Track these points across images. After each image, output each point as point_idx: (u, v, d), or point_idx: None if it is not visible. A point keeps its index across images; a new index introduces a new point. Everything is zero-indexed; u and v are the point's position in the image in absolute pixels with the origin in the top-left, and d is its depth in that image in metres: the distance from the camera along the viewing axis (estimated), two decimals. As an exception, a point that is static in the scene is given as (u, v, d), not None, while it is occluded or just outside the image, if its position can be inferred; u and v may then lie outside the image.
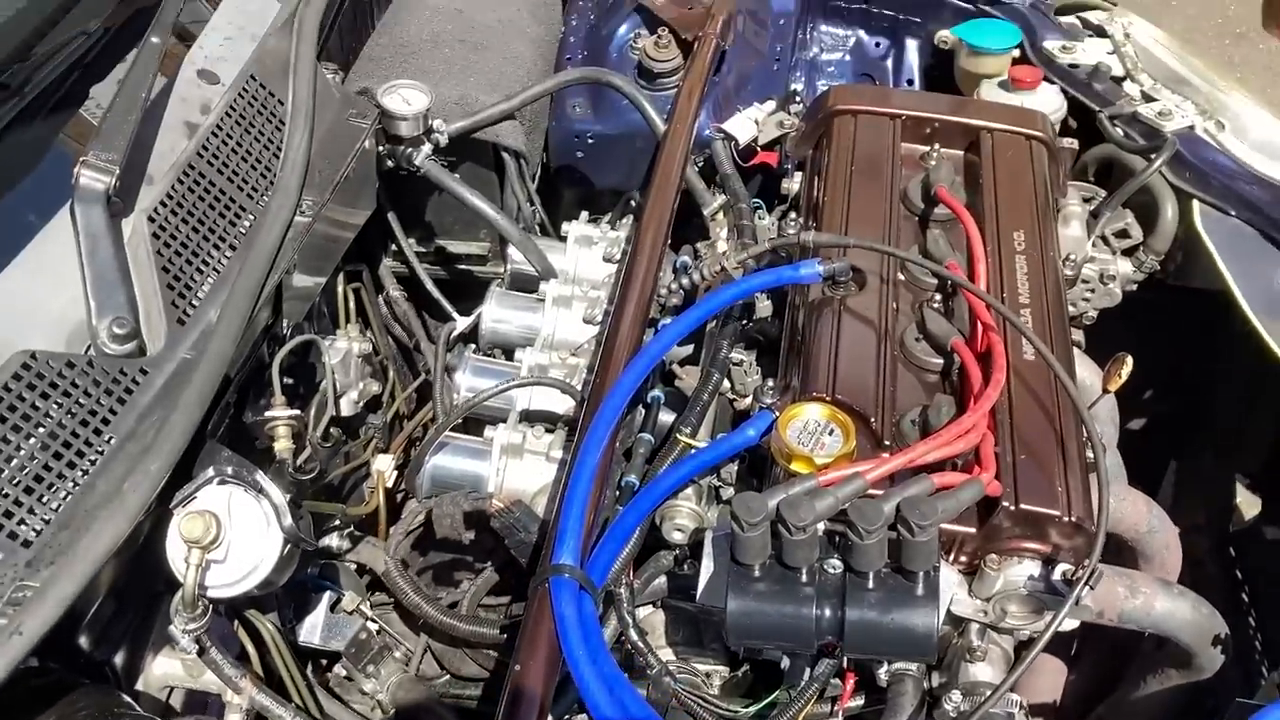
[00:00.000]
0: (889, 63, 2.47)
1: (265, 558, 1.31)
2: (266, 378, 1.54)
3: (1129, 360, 1.69)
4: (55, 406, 1.24)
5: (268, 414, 1.51)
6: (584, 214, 2.05)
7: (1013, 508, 1.34)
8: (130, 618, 1.39)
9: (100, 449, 1.25)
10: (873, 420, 1.43)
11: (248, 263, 1.44)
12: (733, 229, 1.84)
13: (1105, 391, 1.72)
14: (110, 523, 1.15)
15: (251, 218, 1.54)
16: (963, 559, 1.40)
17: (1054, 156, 1.92)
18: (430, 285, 2.12)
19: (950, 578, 1.37)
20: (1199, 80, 2.16)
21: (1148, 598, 1.51)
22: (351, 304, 1.87)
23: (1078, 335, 2.14)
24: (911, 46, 2.46)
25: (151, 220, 1.42)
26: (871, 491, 1.30)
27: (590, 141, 2.23)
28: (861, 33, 2.47)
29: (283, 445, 1.51)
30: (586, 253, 1.96)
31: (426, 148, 1.87)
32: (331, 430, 1.71)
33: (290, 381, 1.67)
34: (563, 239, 1.98)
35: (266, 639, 1.47)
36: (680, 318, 1.53)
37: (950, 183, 1.76)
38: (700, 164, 2.02)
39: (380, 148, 1.88)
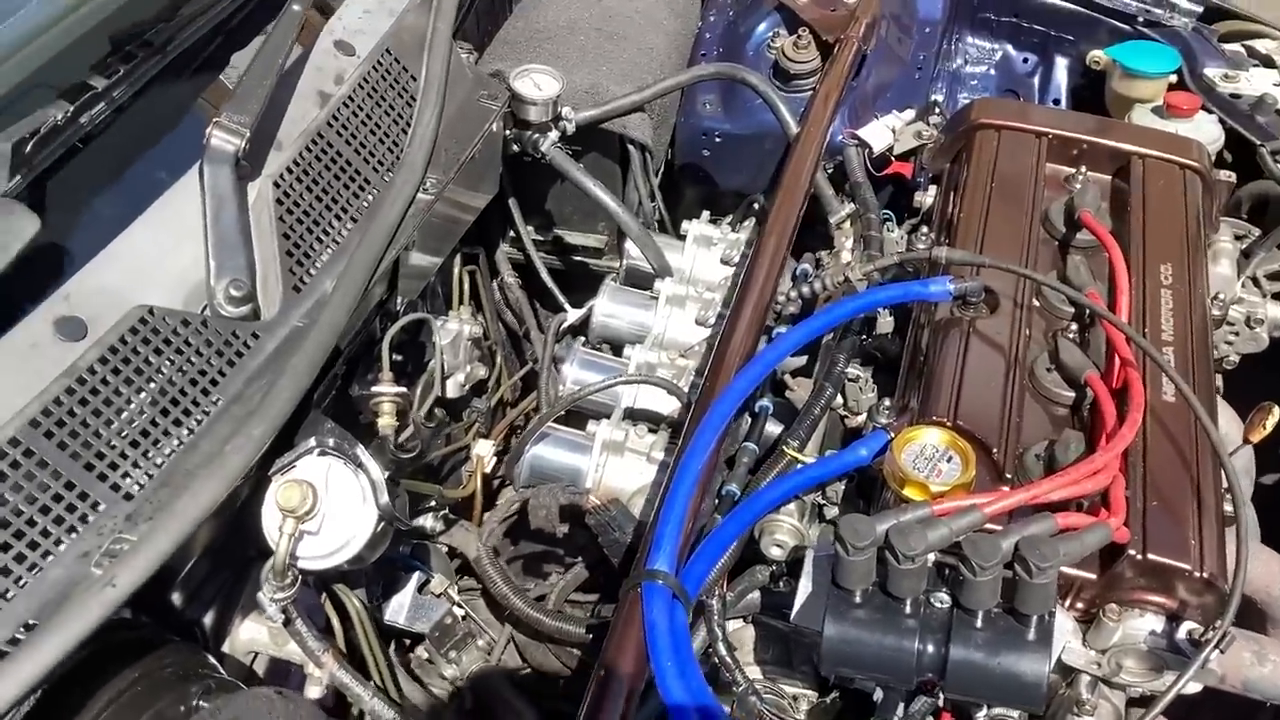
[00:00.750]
0: (1035, 80, 2.37)
1: (358, 533, 1.30)
2: (376, 353, 1.54)
3: (1277, 411, 1.59)
4: (168, 363, 1.24)
5: (374, 389, 1.50)
6: (705, 214, 2.01)
7: (1139, 557, 1.25)
8: (222, 581, 1.39)
9: (207, 409, 1.25)
10: (995, 450, 1.36)
11: (367, 236, 1.43)
12: (859, 239, 1.77)
13: (1246, 442, 1.62)
14: (209, 483, 1.15)
15: (375, 191, 1.53)
16: (1080, 605, 1.31)
17: (1208, 189, 1.81)
18: (545, 274, 2.10)
19: (1065, 624, 1.28)
20: (1374, 123, 2.02)
21: (1276, 666, 1.40)
22: (466, 287, 1.85)
23: (1217, 380, 2.03)
24: (1061, 65, 2.36)
25: (276, 186, 1.42)
26: (989, 526, 1.22)
27: (718, 140, 2.18)
28: (1009, 47, 2.38)
29: (386, 422, 1.50)
30: (705, 253, 1.92)
31: (553, 134, 1.85)
32: (435, 411, 1.70)
33: (399, 359, 1.67)
34: (681, 237, 1.95)
35: (353, 615, 1.47)
36: (798, 326, 1.48)
37: (1096, 207, 1.67)
38: (830, 170, 1.96)
39: (508, 131, 1.87)
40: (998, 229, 1.66)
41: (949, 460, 1.32)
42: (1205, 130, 2.04)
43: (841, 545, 1.20)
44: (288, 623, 1.28)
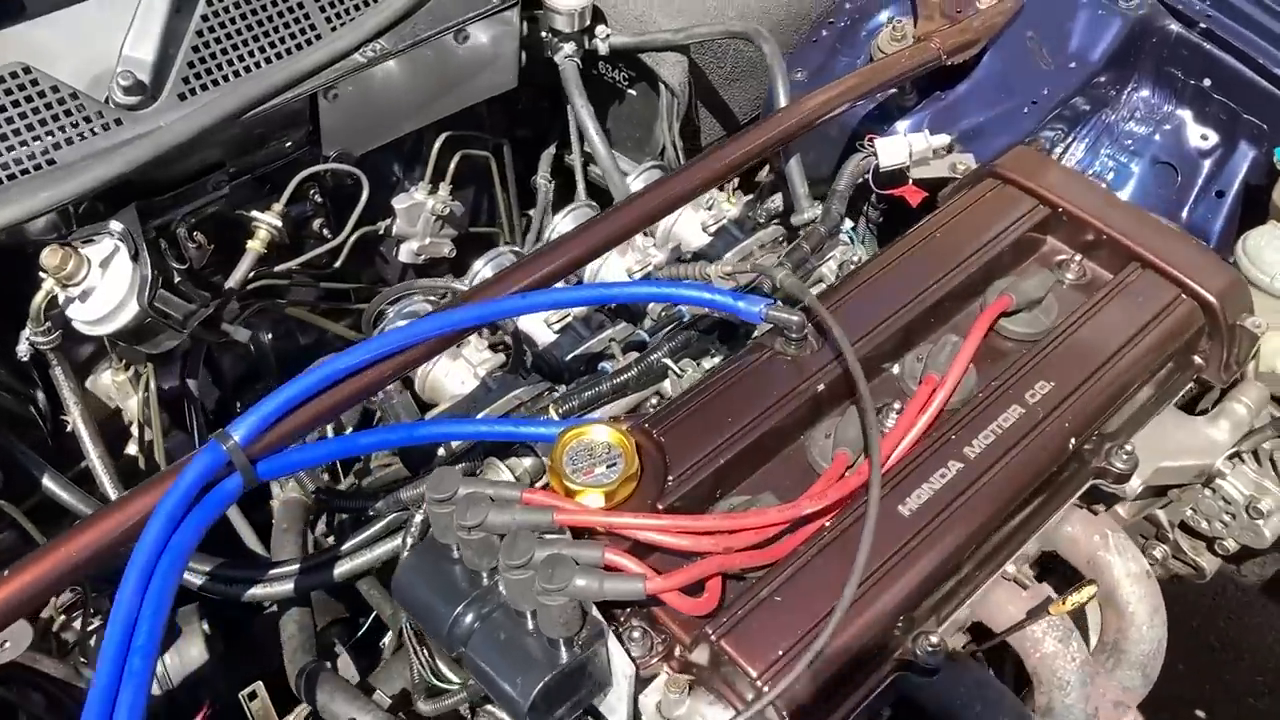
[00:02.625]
0: (1207, 163, 2.00)
1: (120, 317, 1.45)
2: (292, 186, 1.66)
3: (1088, 592, 1.34)
4: (20, 116, 1.44)
5: (254, 213, 1.64)
6: (734, 182, 1.93)
7: (713, 637, 1.14)
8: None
9: (31, 167, 1.44)
10: (670, 478, 1.26)
11: (267, 72, 1.55)
12: (796, 245, 1.65)
13: (1048, 612, 1.37)
14: (4, 208, 1.34)
15: (310, 41, 1.63)
16: (674, 665, 1.21)
17: (1216, 330, 1.49)
18: (581, 187, 2.10)
19: (625, 669, 1.19)
20: None
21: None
22: (449, 168, 1.90)
23: (1209, 561, 1.71)
24: (1245, 155, 1.97)
25: (209, 3, 1.56)
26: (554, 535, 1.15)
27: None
28: (1189, 116, 2.02)
29: (253, 244, 1.64)
30: (690, 213, 1.85)
31: (569, 47, 1.85)
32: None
33: (321, 204, 1.78)
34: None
35: None
36: (578, 287, 1.43)
37: (1028, 300, 1.45)
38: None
39: (543, 34, 1.89)
40: (900, 282, 1.48)
41: (610, 466, 1.25)
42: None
43: (430, 491, 1.20)
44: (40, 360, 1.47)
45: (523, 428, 1.35)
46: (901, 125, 1.91)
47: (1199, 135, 2.02)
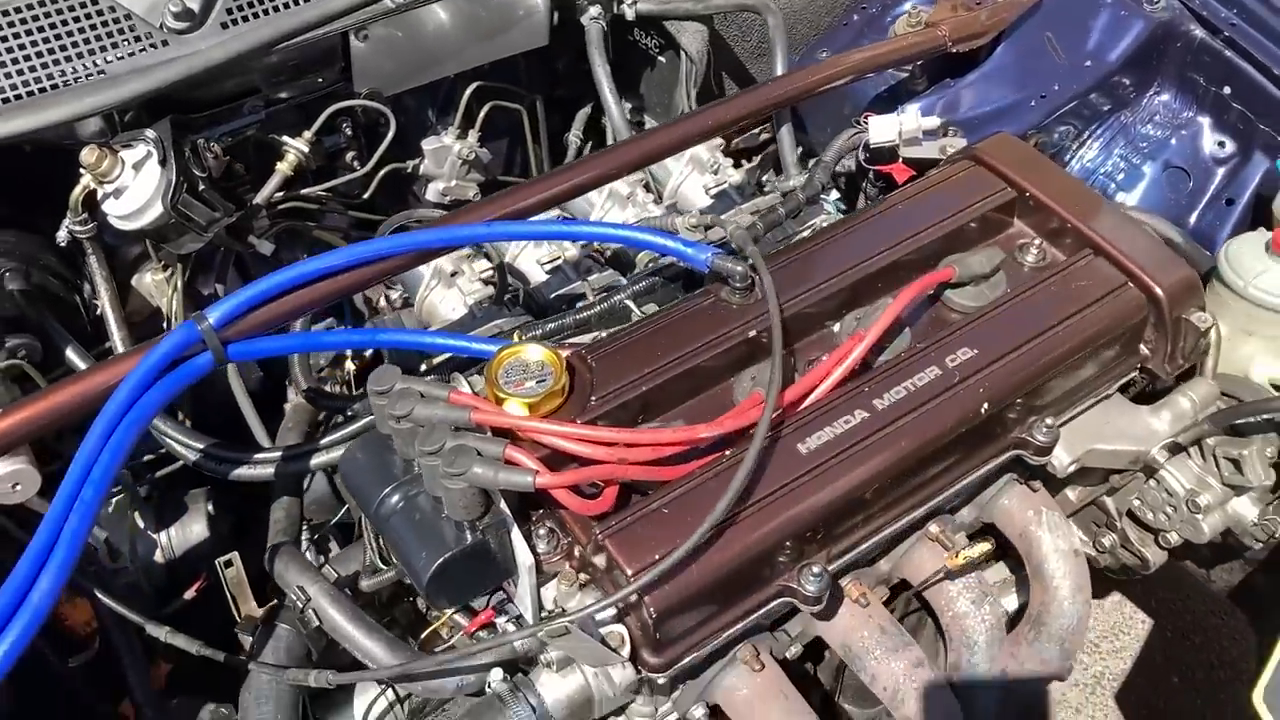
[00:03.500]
0: (1221, 170, 2.02)
1: (147, 215, 1.63)
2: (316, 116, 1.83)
3: (983, 547, 1.41)
4: (79, 30, 1.63)
5: (285, 138, 1.81)
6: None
7: (599, 536, 1.25)
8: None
9: (90, 73, 1.63)
10: (593, 398, 1.37)
11: (302, 11, 1.71)
12: (772, 209, 1.74)
13: (949, 571, 1.45)
14: (20, 112, 1.53)
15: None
16: (574, 563, 1.33)
17: (1163, 327, 1.53)
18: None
19: (525, 559, 1.30)
20: None
21: None
22: (479, 116, 2.05)
23: (1155, 553, 1.74)
24: (1259, 163, 1.98)
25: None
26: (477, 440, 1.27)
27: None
28: (1208, 123, 2.03)
29: (282, 166, 1.81)
30: (695, 176, 1.98)
31: (595, 9, 1.97)
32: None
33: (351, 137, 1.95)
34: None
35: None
36: (533, 222, 1.56)
37: (971, 274, 1.51)
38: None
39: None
40: (855, 245, 1.56)
41: (540, 381, 1.36)
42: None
43: (370, 384, 1.34)
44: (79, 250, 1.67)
45: (471, 343, 1.48)
46: (911, 108, 1.97)
47: (1216, 142, 2.03)
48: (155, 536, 1.77)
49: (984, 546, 1.40)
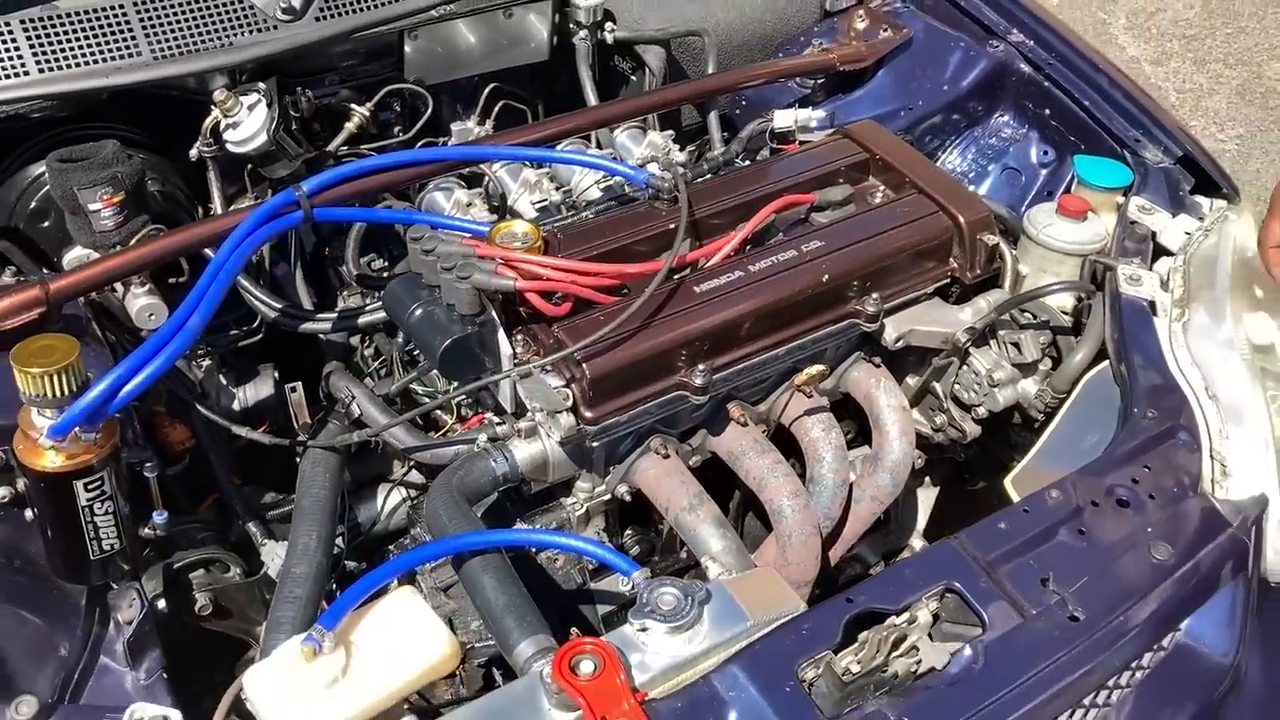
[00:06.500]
0: (1044, 171, 2.70)
1: (255, 140, 2.31)
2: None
3: (818, 368, 2.03)
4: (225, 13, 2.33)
5: (351, 104, 2.51)
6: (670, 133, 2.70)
7: (556, 330, 1.89)
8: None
9: (221, 44, 2.32)
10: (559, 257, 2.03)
11: (371, 14, 2.42)
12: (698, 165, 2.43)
13: (797, 386, 2.07)
14: (198, 62, 2.23)
15: (406, -6, 2.50)
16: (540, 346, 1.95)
17: (964, 245, 2.18)
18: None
19: (505, 350, 1.94)
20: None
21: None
22: (495, 111, 2.75)
23: (971, 427, 2.35)
24: (1070, 165, 2.66)
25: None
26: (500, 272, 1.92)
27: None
28: (1036, 136, 2.72)
29: (347, 125, 2.50)
30: (627, 151, 2.62)
31: (584, 33, 2.68)
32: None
33: (401, 113, 2.64)
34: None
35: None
36: (505, 147, 2.25)
37: (828, 200, 2.18)
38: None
39: (571, 24, 2.73)
40: (750, 181, 2.23)
41: (524, 243, 2.01)
42: (1085, 231, 2.33)
43: (409, 234, 2.00)
44: (203, 168, 2.34)
45: (484, 226, 2.14)
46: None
47: (1041, 150, 2.72)
48: (234, 391, 2.40)
49: (820, 367, 2.03)
